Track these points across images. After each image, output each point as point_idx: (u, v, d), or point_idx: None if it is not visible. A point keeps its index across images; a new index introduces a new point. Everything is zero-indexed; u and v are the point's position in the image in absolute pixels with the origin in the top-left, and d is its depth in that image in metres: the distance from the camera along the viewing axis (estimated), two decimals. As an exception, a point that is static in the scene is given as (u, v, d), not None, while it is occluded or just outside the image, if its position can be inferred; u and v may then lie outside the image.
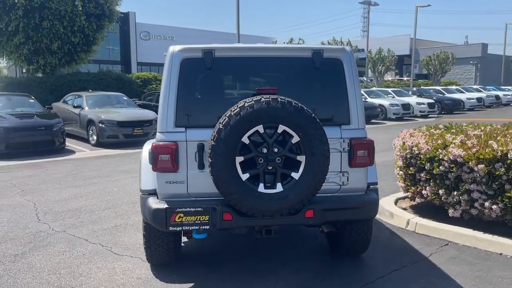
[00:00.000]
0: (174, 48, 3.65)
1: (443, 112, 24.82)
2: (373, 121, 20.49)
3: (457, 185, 4.87)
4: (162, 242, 3.96)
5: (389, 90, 25.43)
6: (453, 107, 25.45)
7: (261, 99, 3.26)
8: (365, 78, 36.30)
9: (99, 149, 12.13)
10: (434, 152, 4.99)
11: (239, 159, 3.31)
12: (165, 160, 3.53)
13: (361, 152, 3.70)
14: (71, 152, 11.69)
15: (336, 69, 3.74)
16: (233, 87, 3.93)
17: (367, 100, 21.74)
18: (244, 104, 3.26)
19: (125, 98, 14.87)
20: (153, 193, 3.69)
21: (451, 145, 4.86)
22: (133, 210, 6.14)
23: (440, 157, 4.91)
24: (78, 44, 19.48)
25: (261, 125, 3.28)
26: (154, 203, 3.58)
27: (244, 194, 3.32)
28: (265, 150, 3.33)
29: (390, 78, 41.34)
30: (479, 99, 28.75)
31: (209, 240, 4.93)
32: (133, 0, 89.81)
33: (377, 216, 5.80)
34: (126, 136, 12.44)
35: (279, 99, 3.26)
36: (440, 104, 24.69)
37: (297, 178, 3.37)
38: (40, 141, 11.21)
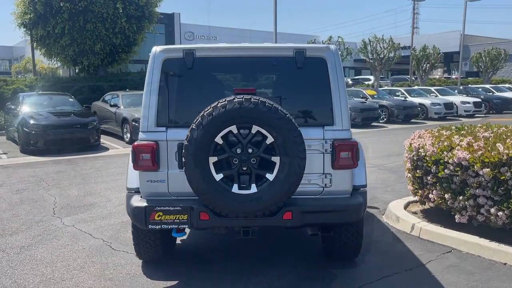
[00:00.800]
0: (157, 48, 3.71)
1: (491, 112, 23.57)
2: (413, 120, 19.82)
3: (462, 189, 4.61)
4: (149, 239, 4.03)
5: (432, 88, 24.39)
6: (503, 106, 24.08)
7: (234, 99, 3.24)
8: (408, 76, 35.06)
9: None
10: (439, 155, 4.76)
11: (212, 159, 3.31)
12: (146, 159, 3.60)
13: (344, 154, 3.59)
14: (105, 149, 12.13)
15: (320, 68, 3.65)
16: (214, 87, 3.91)
17: (407, 99, 21.02)
18: (217, 104, 3.25)
19: (159, 97, 15.24)
20: (138, 191, 3.77)
21: (456, 147, 4.61)
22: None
23: (445, 160, 4.67)
24: (119, 45, 20.21)
25: (235, 126, 3.27)
26: (136, 201, 3.66)
27: (217, 194, 3.32)
28: (239, 151, 3.31)
29: (437, 76, 39.66)
30: (532, 98, 27.03)
31: (205, 240, 4.98)
32: (177, 0, 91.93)
33: (384, 220, 5.63)
34: (157, 134, 12.73)
35: (252, 99, 3.23)
36: (488, 103, 23.46)
37: (271, 179, 3.32)
38: (75, 138, 11.71)
